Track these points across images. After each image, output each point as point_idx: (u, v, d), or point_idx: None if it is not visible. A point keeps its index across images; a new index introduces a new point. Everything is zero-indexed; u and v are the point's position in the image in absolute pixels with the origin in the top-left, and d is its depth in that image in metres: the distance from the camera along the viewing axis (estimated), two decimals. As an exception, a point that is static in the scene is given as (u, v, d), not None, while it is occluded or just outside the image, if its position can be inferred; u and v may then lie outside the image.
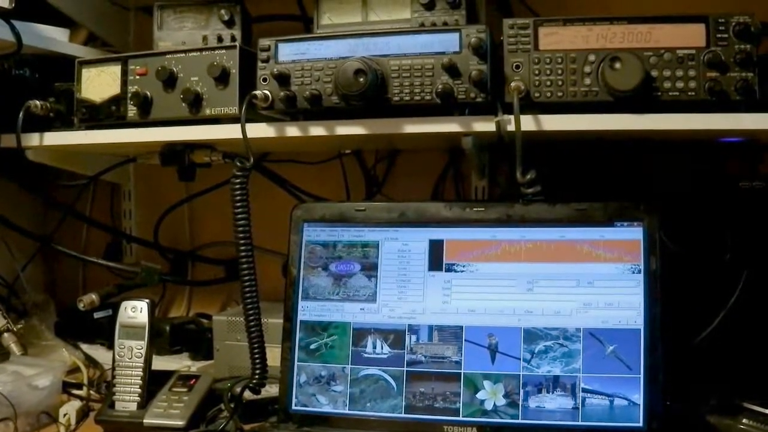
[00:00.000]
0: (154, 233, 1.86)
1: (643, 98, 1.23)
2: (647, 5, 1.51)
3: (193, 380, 1.27)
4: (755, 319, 1.35)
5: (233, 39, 1.44)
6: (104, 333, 1.59)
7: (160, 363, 1.53)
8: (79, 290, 1.84)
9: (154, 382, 1.24)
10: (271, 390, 1.27)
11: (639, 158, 1.53)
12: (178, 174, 1.53)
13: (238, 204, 1.27)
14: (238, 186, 1.27)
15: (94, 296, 1.43)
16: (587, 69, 1.25)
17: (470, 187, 1.65)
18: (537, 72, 1.26)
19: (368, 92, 1.24)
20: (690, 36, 1.25)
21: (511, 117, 1.18)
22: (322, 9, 1.43)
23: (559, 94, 1.26)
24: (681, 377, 1.25)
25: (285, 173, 1.79)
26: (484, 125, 1.27)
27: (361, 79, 1.23)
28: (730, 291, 1.34)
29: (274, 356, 1.27)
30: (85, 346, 1.58)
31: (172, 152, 1.48)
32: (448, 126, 1.25)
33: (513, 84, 1.24)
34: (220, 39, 1.45)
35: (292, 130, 1.31)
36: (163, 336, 1.64)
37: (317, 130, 1.30)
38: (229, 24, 1.47)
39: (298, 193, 1.74)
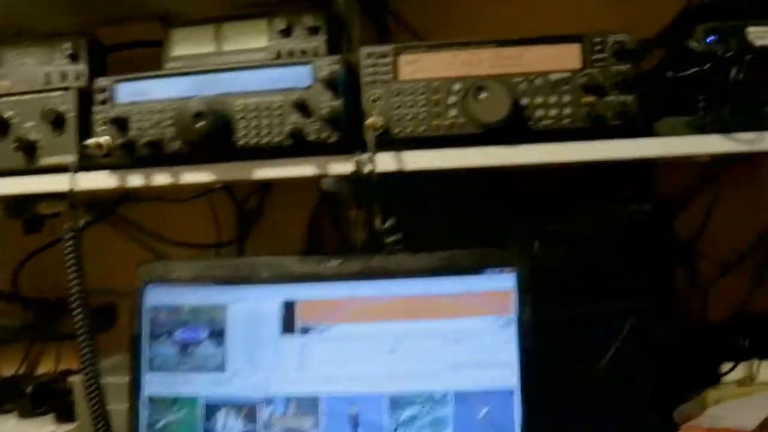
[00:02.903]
0: (12, 283, 1.69)
1: (514, 129, 1.12)
2: (546, 23, 1.39)
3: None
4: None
5: (78, 76, 1.31)
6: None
7: (22, 427, 1.41)
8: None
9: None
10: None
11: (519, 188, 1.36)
12: (23, 227, 1.37)
13: (71, 269, 1.12)
14: (69, 249, 1.11)
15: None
16: (452, 99, 1.14)
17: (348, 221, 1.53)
18: (397, 105, 1.14)
19: (210, 136, 1.09)
20: (564, 58, 1.14)
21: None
22: (172, 38, 1.28)
23: (422, 128, 1.13)
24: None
25: (151, 212, 1.64)
26: (343, 166, 1.13)
27: (201, 124, 1.08)
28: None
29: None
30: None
31: (15, 204, 1.32)
32: (302, 169, 1.14)
33: (369, 120, 1.09)
34: (64, 76, 1.33)
35: (135, 179, 1.19)
36: (25, 397, 1.48)
37: (161, 178, 1.17)
38: (74, 59, 1.30)
39: (156, 242, 1.58)
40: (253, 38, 1.28)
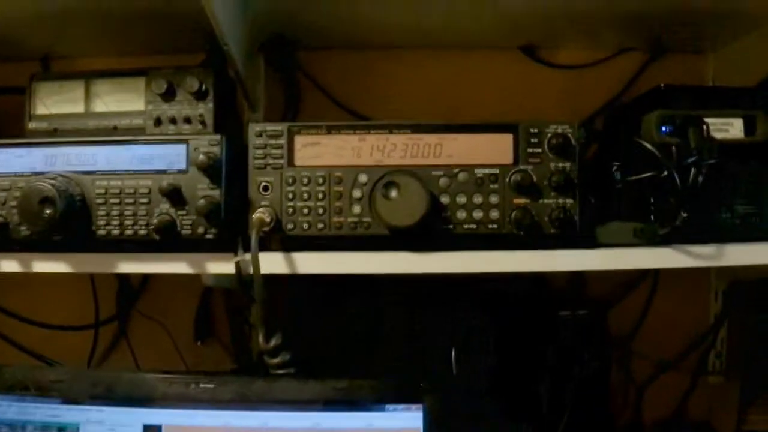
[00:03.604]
0: None
1: (430, 232, 0.94)
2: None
3: None
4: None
5: None
6: None
7: None
8: None
9: None
10: None
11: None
12: None
13: None
14: None
15: None
16: (357, 193, 0.96)
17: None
18: (291, 195, 0.96)
19: (61, 226, 0.85)
20: (493, 150, 0.97)
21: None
22: (37, 93, 1.05)
23: (320, 225, 0.96)
24: None
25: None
26: (222, 266, 0.95)
27: (49, 211, 0.84)
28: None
29: None
30: None
31: None
32: (174, 266, 0.97)
33: (256, 214, 0.87)
34: None
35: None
36: None
37: (9, 265, 0.99)
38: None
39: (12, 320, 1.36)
40: (128, 99, 1.07)
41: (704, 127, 0.94)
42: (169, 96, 1.04)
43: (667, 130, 0.98)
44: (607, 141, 1.08)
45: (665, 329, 1.39)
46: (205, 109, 1.03)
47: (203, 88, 1.03)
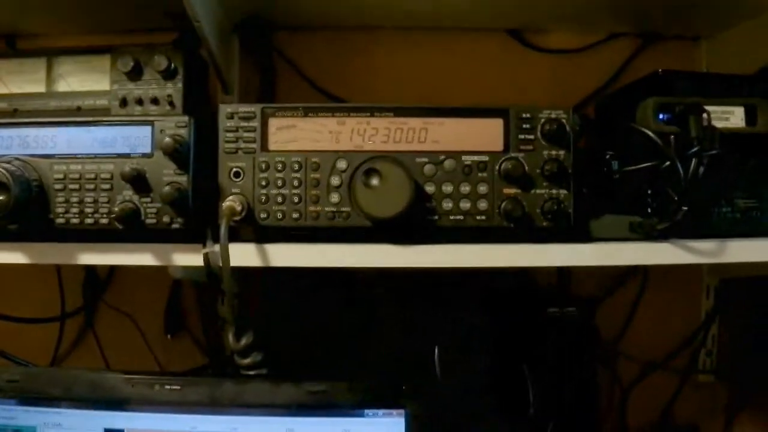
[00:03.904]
0: None
1: (414, 223, 0.88)
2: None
3: None
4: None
5: None
6: None
7: None
8: None
9: None
10: None
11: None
12: None
13: None
14: None
15: None
16: (335, 180, 0.89)
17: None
18: (264, 182, 0.89)
19: (15, 214, 0.78)
20: (482, 136, 0.90)
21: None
22: None
23: (295, 215, 0.89)
24: None
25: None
26: (190, 257, 0.89)
27: (2, 197, 0.77)
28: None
29: None
30: None
31: None
32: (138, 258, 0.90)
33: (226, 203, 0.80)
34: None
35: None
36: None
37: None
38: None
39: None
40: (93, 79, 1.01)
41: (704, 115, 0.86)
42: (135, 75, 0.97)
43: (665, 118, 0.92)
44: (599, 129, 1.01)
45: (655, 327, 1.35)
46: (174, 89, 0.95)
47: (172, 66, 0.95)
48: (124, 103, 0.97)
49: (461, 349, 1.01)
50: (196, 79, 1.01)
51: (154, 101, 0.96)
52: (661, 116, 0.92)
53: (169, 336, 1.33)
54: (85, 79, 0.99)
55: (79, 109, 0.98)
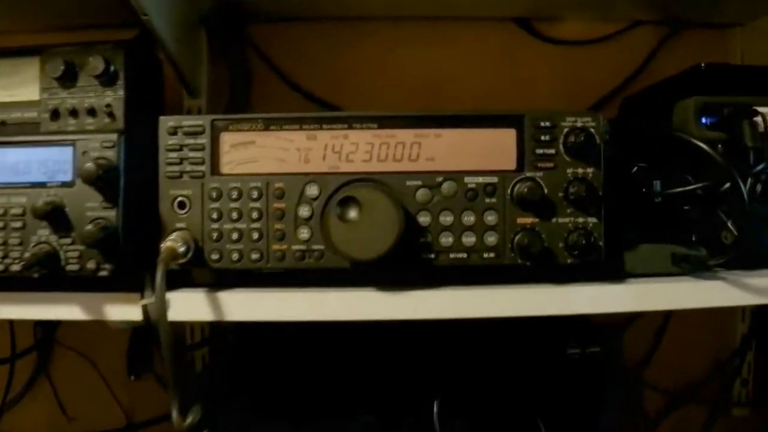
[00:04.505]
0: None
1: (404, 262, 0.71)
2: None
3: None
4: None
5: None
6: None
7: None
8: None
9: None
10: None
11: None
12: None
13: None
14: None
15: None
16: (305, 211, 0.73)
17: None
18: (216, 215, 0.73)
19: None
20: (490, 151, 0.73)
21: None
22: None
23: (255, 255, 0.72)
24: None
25: None
26: (126, 310, 0.73)
27: None
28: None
29: None
30: None
31: None
32: (64, 310, 0.73)
33: (165, 243, 0.68)
34: None
35: None
36: None
37: None
38: None
39: None
40: (23, 86, 0.83)
41: (758, 119, 0.69)
42: (68, 81, 0.80)
43: (708, 122, 0.77)
44: (625, 135, 0.83)
45: (684, 353, 1.21)
46: (114, 97, 0.77)
47: (111, 69, 0.77)
48: (55, 115, 0.80)
49: (464, 403, 0.84)
50: (146, 85, 0.83)
51: (91, 112, 0.79)
52: (703, 119, 0.77)
53: (132, 378, 1.18)
54: (13, 87, 0.83)
55: (3, 123, 0.80)
